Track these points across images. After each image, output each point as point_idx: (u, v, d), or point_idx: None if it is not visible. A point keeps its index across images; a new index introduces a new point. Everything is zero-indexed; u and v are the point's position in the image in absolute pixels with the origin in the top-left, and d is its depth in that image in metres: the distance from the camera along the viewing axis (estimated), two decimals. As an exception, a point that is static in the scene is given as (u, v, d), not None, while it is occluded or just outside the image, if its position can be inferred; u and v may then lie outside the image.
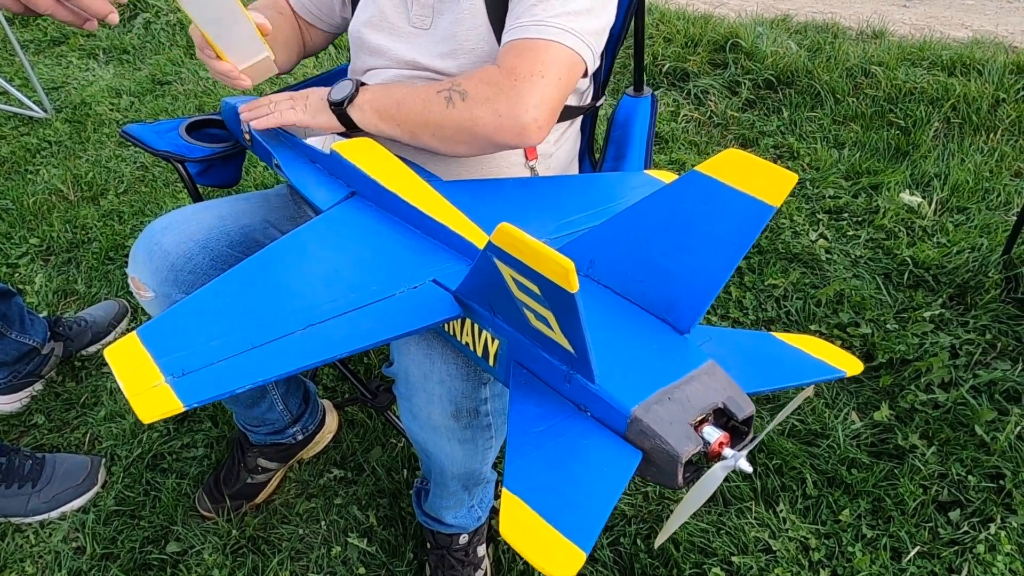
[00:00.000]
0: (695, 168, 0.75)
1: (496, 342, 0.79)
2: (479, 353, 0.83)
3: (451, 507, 1.24)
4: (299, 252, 0.89)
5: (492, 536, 1.40)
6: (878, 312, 1.81)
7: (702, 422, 0.68)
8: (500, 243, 0.61)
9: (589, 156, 1.41)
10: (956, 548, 1.35)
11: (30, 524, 1.44)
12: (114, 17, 0.79)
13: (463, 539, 1.30)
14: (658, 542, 0.77)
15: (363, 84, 1.03)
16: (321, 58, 3.00)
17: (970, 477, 1.45)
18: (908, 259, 1.94)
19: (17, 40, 2.75)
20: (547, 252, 0.56)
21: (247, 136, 1.23)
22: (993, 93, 2.53)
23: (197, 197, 1.36)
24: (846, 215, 2.14)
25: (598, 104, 1.36)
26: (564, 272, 0.56)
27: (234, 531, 1.42)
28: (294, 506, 1.47)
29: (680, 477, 0.66)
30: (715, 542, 1.37)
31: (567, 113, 1.15)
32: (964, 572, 1.32)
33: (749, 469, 0.66)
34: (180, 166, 1.31)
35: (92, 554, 1.38)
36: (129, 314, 1.89)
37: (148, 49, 3.27)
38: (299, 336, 0.76)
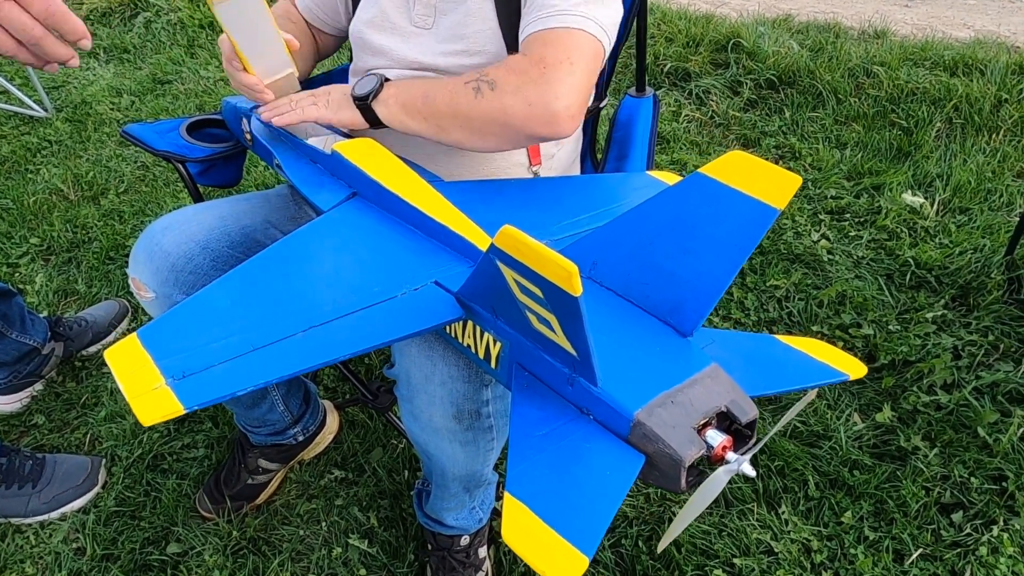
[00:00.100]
0: (698, 170, 0.74)
1: (498, 344, 0.79)
2: (481, 355, 0.83)
3: (452, 509, 1.23)
4: (300, 253, 0.88)
5: (493, 538, 1.39)
6: (880, 313, 1.81)
7: (705, 426, 0.68)
8: (503, 245, 0.61)
9: (591, 157, 1.40)
10: (959, 550, 1.35)
11: (30, 525, 1.44)
12: (75, 61, 0.80)
13: (464, 541, 1.30)
14: (661, 546, 0.77)
15: (387, 79, 1.00)
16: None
17: (973, 479, 1.45)
18: (910, 260, 1.93)
19: (18, 39, 2.74)
20: (550, 255, 0.56)
21: (248, 136, 1.23)
22: (995, 93, 2.52)
23: (198, 197, 1.36)
24: (848, 216, 2.13)
25: (601, 105, 1.36)
26: (567, 275, 0.55)
27: (235, 532, 1.41)
28: (295, 507, 1.47)
29: (683, 481, 0.66)
30: (717, 544, 1.37)
31: None
32: (967, 574, 1.32)
33: (752, 473, 0.66)
34: (181, 166, 1.31)
35: (92, 555, 1.38)
36: (130, 314, 1.89)
37: (149, 48, 3.27)
38: (300, 338, 0.76)
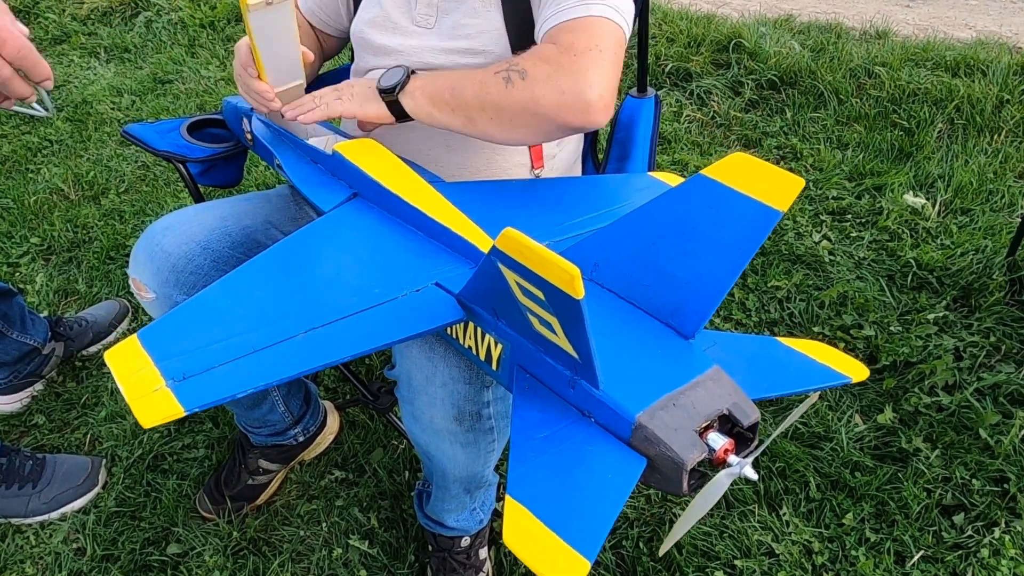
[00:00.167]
0: (700, 172, 0.74)
1: (499, 346, 0.78)
2: (482, 357, 0.82)
3: (453, 510, 1.23)
4: (301, 254, 0.88)
5: (494, 539, 1.39)
6: (882, 314, 1.80)
7: (707, 428, 0.68)
8: (504, 248, 0.60)
9: (592, 157, 1.40)
10: (960, 552, 1.35)
11: (30, 525, 1.44)
12: (33, 98, 0.81)
13: (465, 542, 1.29)
14: (663, 549, 0.77)
15: (413, 71, 0.98)
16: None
17: (974, 481, 1.44)
18: (912, 261, 1.93)
19: (18, 38, 2.74)
20: (552, 258, 0.56)
21: (249, 136, 1.23)
22: (997, 94, 2.52)
23: (198, 197, 1.35)
24: (849, 216, 2.13)
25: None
26: (569, 278, 0.55)
27: (235, 532, 1.41)
28: (295, 508, 1.47)
29: (685, 484, 0.65)
30: (718, 545, 1.37)
31: None
32: (968, 576, 1.32)
33: (755, 476, 0.66)
34: (181, 166, 1.31)
35: (92, 555, 1.38)
36: (130, 314, 1.89)
37: (149, 48, 3.27)
38: (301, 339, 0.76)
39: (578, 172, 1.30)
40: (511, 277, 0.64)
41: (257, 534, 1.42)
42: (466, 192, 0.98)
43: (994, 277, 1.85)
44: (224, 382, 0.70)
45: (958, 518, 1.40)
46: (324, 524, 1.44)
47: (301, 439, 1.45)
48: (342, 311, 0.79)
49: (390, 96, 0.96)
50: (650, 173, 1.20)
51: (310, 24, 1.25)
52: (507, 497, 0.64)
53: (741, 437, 0.70)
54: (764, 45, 2.80)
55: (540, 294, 0.61)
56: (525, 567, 1.37)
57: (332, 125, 1.18)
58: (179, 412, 0.66)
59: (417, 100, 0.96)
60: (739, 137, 2.53)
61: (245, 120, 1.22)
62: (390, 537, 1.42)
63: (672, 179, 1.14)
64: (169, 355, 0.72)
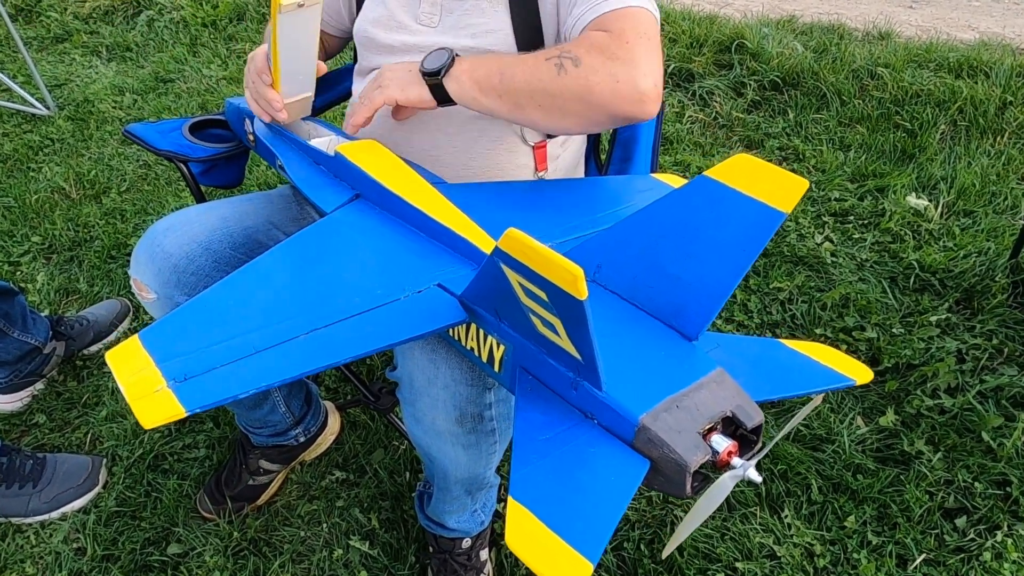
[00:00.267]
0: (704, 173, 0.74)
1: (502, 348, 0.78)
2: (484, 359, 0.82)
3: (454, 511, 1.23)
4: (302, 255, 0.88)
5: (495, 540, 1.39)
6: (884, 316, 1.80)
7: (710, 431, 0.67)
8: (507, 249, 0.60)
9: (595, 158, 1.40)
10: (962, 556, 1.34)
11: (31, 524, 1.44)
12: None
13: (465, 543, 1.29)
14: (665, 552, 0.76)
15: (456, 54, 0.96)
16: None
17: (977, 484, 1.44)
18: (914, 263, 1.92)
19: (20, 37, 2.75)
20: (556, 259, 0.55)
21: (251, 136, 1.23)
22: (1000, 96, 2.51)
23: (200, 197, 1.35)
24: (852, 218, 2.13)
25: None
26: (573, 279, 0.55)
27: (235, 533, 1.41)
28: (296, 508, 1.47)
29: (688, 487, 0.65)
30: (719, 547, 1.36)
31: None
32: (970, 580, 1.31)
33: (758, 479, 0.65)
34: (183, 166, 1.31)
35: (93, 555, 1.38)
36: (131, 313, 1.89)
37: (151, 47, 3.27)
38: (302, 340, 0.75)
39: (581, 173, 1.30)
40: (514, 278, 0.63)
41: (258, 534, 1.42)
42: (468, 193, 0.98)
43: (997, 279, 1.85)
44: (225, 383, 0.69)
45: (960, 521, 1.40)
46: (325, 525, 1.44)
47: (302, 439, 1.45)
48: (344, 312, 0.79)
49: (434, 79, 0.94)
50: (653, 174, 1.20)
51: None
52: (509, 499, 0.64)
53: (744, 439, 0.69)
54: (767, 46, 2.79)
55: (543, 295, 0.61)
56: (526, 568, 1.36)
57: (334, 126, 1.18)
58: (180, 413, 0.66)
59: (463, 84, 0.94)
60: (741, 138, 2.52)
61: (247, 120, 1.22)
62: (391, 538, 1.41)
63: (675, 180, 1.14)
64: (170, 356, 0.71)
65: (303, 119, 1.16)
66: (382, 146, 1.02)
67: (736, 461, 0.66)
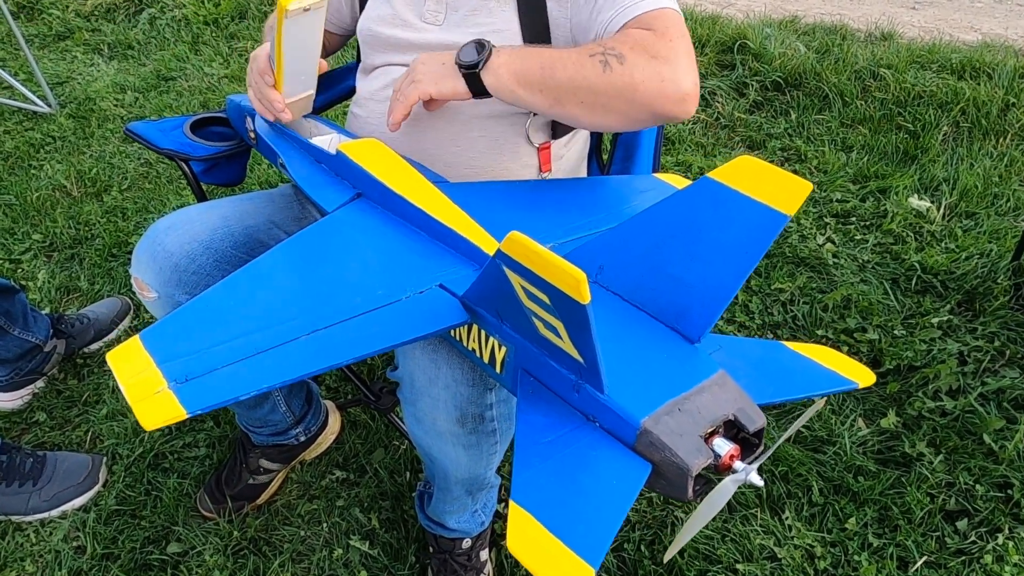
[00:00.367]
0: (707, 175, 0.74)
1: (503, 349, 0.78)
2: (486, 360, 0.82)
3: (454, 512, 1.23)
4: (304, 255, 0.88)
5: (495, 540, 1.39)
6: (886, 318, 1.80)
7: (712, 434, 0.67)
8: (510, 251, 0.60)
9: (597, 157, 1.39)
10: (963, 558, 1.34)
11: (31, 523, 1.44)
12: None
13: (466, 544, 1.29)
14: (667, 556, 0.76)
15: (494, 46, 0.94)
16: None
17: (978, 486, 1.44)
18: (916, 264, 1.92)
19: (22, 34, 2.74)
20: (558, 263, 0.55)
21: (252, 135, 1.22)
22: (1003, 97, 2.51)
23: (201, 195, 1.35)
24: (854, 219, 2.12)
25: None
26: (576, 283, 0.54)
27: (235, 532, 1.41)
28: (296, 507, 1.47)
29: (690, 490, 0.65)
30: (720, 549, 1.36)
31: None
32: (971, 582, 1.31)
33: (760, 483, 0.65)
34: (184, 164, 1.30)
35: (92, 554, 1.38)
36: (132, 311, 1.88)
37: (153, 45, 3.26)
38: (304, 341, 0.75)
39: (583, 173, 1.30)
40: (516, 281, 0.63)
41: (257, 534, 1.42)
42: (470, 193, 0.98)
43: (999, 281, 1.84)
44: (226, 384, 0.69)
45: (961, 524, 1.39)
46: (325, 524, 1.44)
47: (302, 439, 1.45)
48: (346, 313, 0.79)
49: (471, 71, 0.93)
50: (654, 174, 1.20)
51: None
52: (511, 503, 0.63)
53: (747, 443, 0.69)
54: (769, 46, 2.79)
55: (545, 298, 0.61)
56: (526, 569, 1.36)
57: (335, 124, 1.17)
58: (181, 415, 0.66)
59: (501, 77, 0.92)
60: (743, 139, 2.52)
61: (248, 118, 1.21)
62: (391, 538, 1.41)
63: (677, 180, 1.13)
64: (171, 357, 0.71)
65: (304, 116, 1.16)
66: (384, 145, 1.02)
67: (738, 465, 0.65)
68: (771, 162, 0.71)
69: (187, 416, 0.66)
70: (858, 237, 2.06)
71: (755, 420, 0.68)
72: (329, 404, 1.57)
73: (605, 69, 0.88)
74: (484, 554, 1.33)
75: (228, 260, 1.10)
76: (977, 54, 2.77)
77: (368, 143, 1.02)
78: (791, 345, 0.88)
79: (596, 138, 1.37)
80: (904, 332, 1.76)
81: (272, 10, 1.21)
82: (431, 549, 1.32)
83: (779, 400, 0.81)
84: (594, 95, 0.89)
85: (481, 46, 0.93)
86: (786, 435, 0.72)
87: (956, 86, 2.56)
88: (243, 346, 0.73)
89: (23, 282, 2.00)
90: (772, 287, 1.90)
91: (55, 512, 1.44)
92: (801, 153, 2.40)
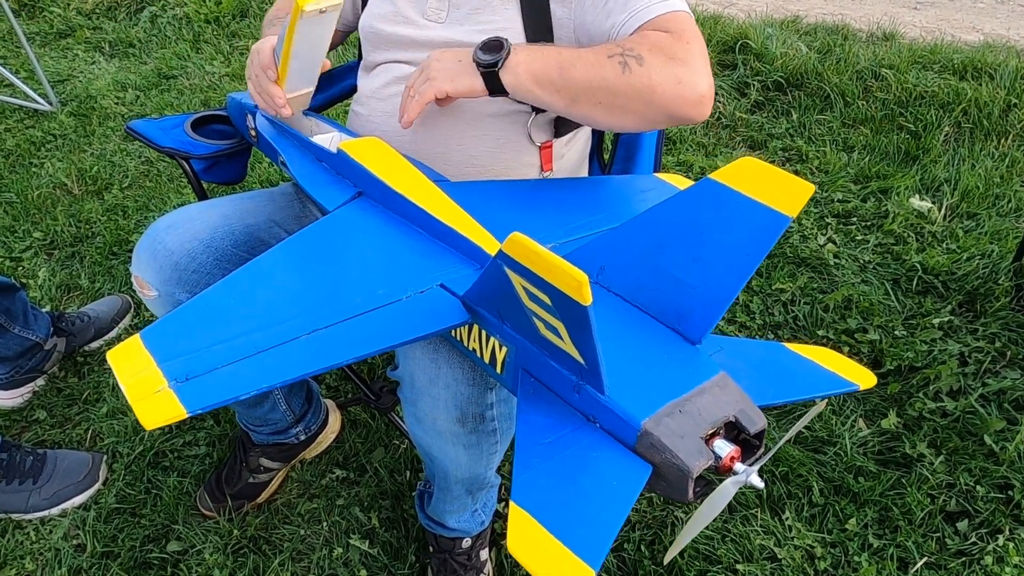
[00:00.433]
0: (709, 176, 0.73)
1: (504, 349, 0.78)
2: (486, 360, 0.82)
3: (454, 511, 1.23)
4: (304, 254, 0.87)
5: (495, 540, 1.39)
6: (886, 318, 1.80)
7: (713, 435, 0.67)
8: (511, 252, 0.60)
9: (598, 157, 1.39)
10: (963, 559, 1.34)
11: (31, 521, 1.44)
12: None
13: (466, 543, 1.29)
14: (667, 558, 0.76)
15: (512, 44, 0.94)
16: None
17: (978, 487, 1.44)
18: (917, 265, 1.92)
19: (23, 32, 2.74)
20: (560, 263, 0.55)
21: (253, 133, 1.22)
22: (1004, 98, 2.51)
23: (202, 194, 1.35)
24: (855, 219, 2.12)
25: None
26: (577, 285, 0.54)
27: (235, 531, 1.41)
28: (296, 506, 1.46)
29: (690, 492, 0.65)
30: (720, 549, 1.36)
31: None
32: (971, 584, 1.31)
33: (761, 485, 0.65)
34: (185, 163, 1.30)
35: (92, 552, 1.38)
36: (132, 310, 1.88)
37: (154, 43, 3.26)
38: (304, 341, 0.75)
39: (585, 173, 1.29)
40: (517, 281, 0.63)
41: (257, 532, 1.42)
42: (471, 192, 0.98)
43: (1000, 282, 1.84)
44: (227, 384, 0.69)
45: (962, 525, 1.39)
46: (325, 523, 1.44)
47: (302, 438, 1.45)
48: (346, 312, 0.79)
49: (489, 69, 0.93)
50: (656, 174, 1.20)
51: None
52: (511, 504, 0.63)
53: (747, 444, 0.69)
54: (770, 46, 2.79)
55: (547, 299, 0.60)
56: (526, 570, 1.36)
57: (336, 123, 1.17)
58: (182, 414, 0.66)
59: (519, 76, 0.92)
60: (744, 139, 2.52)
61: (249, 117, 1.21)
62: (391, 537, 1.41)
63: (678, 180, 1.13)
64: (171, 356, 0.71)
65: (305, 115, 1.16)
66: (385, 144, 1.02)
67: (739, 466, 0.65)
68: (772, 162, 0.71)
69: (187, 415, 0.66)
70: (859, 237, 2.06)
71: (756, 422, 0.68)
72: (329, 403, 1.57)
73: (624, 70, 0.88)
74: (484, 554, 1.33)
75: (229, 259, 1.10)
76: (979, 54, 2.77)
77: (369, 142, 1.02)
78: (792, 347, 0.88)
79: (597, 138, 1.37)
80: (905, 333, 1.75)
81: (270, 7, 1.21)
82: (431, 548, 1.32)
83: (780, 402, 0.81)
84: (612, 96, 0.89)
85: (499, 44, 0.93)
86: (787, 437, 0.72)
87: (958, 86, 2.56)
88: (243, 345, 0.73)
89: (23, 280, 1.99)
90: (773, 287, 1.90)
91: (55, 510, 1.44)
92: (802, 153, 2.39)
